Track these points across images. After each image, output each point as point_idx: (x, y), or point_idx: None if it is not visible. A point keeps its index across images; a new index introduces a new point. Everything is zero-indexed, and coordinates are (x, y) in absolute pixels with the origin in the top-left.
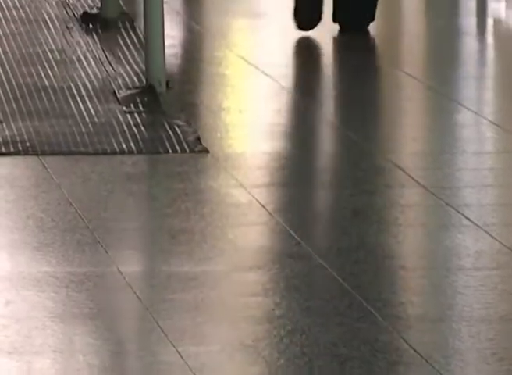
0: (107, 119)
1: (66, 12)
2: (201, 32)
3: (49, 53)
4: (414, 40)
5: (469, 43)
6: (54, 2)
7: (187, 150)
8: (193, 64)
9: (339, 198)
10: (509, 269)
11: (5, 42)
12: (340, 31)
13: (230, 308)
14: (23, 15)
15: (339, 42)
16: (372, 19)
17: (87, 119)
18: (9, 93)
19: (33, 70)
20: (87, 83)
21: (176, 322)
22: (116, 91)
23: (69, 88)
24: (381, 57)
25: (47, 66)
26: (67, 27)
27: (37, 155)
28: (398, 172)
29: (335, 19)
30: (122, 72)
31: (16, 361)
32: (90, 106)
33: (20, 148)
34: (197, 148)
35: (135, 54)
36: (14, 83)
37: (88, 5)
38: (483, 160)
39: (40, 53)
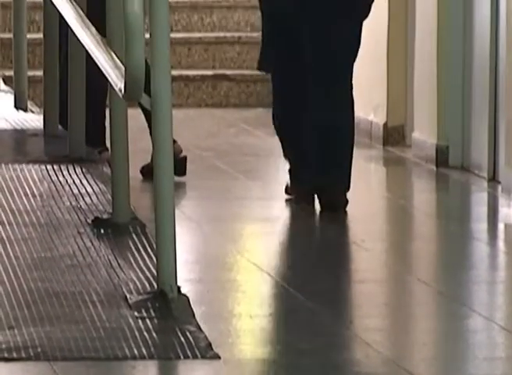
0: (118, 324)
1: (78, 217)
2: (212, 237)
3: (61, 258)
4: (425, 244)
5: (480, 248)
6: (65, 207)
7: (199, 356)
8: (205, 269)
9: None
10: None
11: (16, 247)
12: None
13: None
14: (35, 219)
15: (348, 239)
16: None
17: (98, 324)
18: (21, 298)
19: (44, 275)
20: (99, 288)
21: None
22: (128, 297)
23: (81, 293)
24: (392, 261)
25: (58, 271)
26: (79, 232)
27: (48, 360)
28: None
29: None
30: (134, 277)
31: None
32: (101, 311)
33: (32, 354)
34: (209, 354)
35: (146, 259)
36: (26, 288)
37: (99, 211)
38: (495, 366)
39: (52, 258)
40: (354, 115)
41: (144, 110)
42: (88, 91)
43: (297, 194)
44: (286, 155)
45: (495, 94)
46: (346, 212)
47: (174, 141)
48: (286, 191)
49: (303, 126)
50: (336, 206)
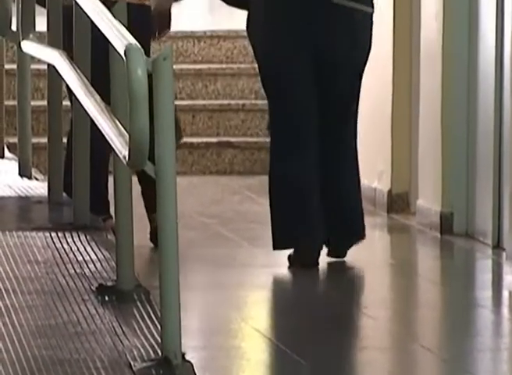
0: None
1: (82, 284)
2: (217, 304)
3: (65, 325)
4: (430, 311)
5: (484, 315)
6: (70, 274)
7: None
8: (209, 336)
9: None
10: None
11: (20, 315)
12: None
13: None
14: (39, 287)
15: (352, 306)
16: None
17: None
18: (25, 366)
19: (48, 343)
20: (103, 355)
21: None
22: (132, 364)
23: (85, 361)
24: (396, 329)
25: (62, 339)
26: (83, 299)
27: None
28: None
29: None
30: (138, 344)
31: None
32: None
33: None
34: None
35: (151, 326)
36: (30, 356)
37: (104, 278)
38: None
39: (56, 325)
40: (359, 166)
41: (144, 178)
42: (92, 159)
43: (302, 253)
44: (279, 218)
45: (499, 162)
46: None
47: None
48: (289, 260)
49: (307, 187)
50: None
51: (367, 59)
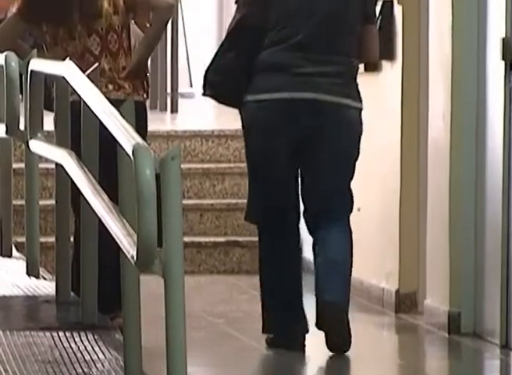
0: None
1: None
2: None
3: None
4: None
5: None
6: (77, 374)
7: None
8: None
9: None
10: None
11: None
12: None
13: None
14: None
15: None
16: None
17: None
18: None
19: None
20: None
21: None
22: None
23: None
24: None
25: None
26: None
27: None
28: None
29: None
30: None
31: None
32: None
33: None
34: None
35: None
36: None
37: None
38: None
39: None
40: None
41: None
42: (100, 258)
43: (290, 337)
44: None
45: (507, 260)
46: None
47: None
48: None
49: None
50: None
51: (358, 151)
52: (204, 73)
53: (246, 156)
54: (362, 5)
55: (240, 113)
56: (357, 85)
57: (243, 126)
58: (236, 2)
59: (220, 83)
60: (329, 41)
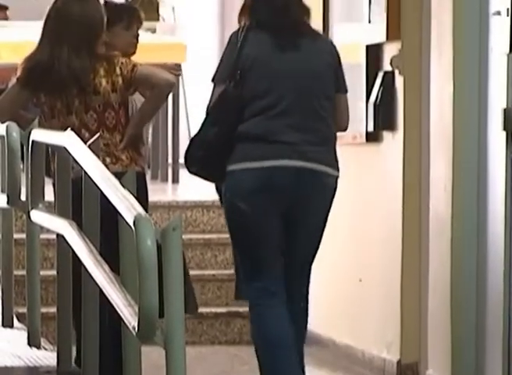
0: None
1: None
2: None
3: None
4: None
5: None
6: None
7: None
8: None
9: None
10: None
11: None
12: None
13: None
14: None
15: None
16: None
17: None
18: None
19: None
20: None
21: None
22: None
23: None
24: None
25: None
26: None
27: None
28: None
29: None
30: None
31: None
32: None
33: None
34: None
35: None
36: None
37: None
38: None
39: None
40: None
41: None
42: (102, 329)
43: None
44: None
45: (508, 332)
46: None
47: None
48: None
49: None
50: None
51: (326, 219)
52: (186, 148)
53: (230, 231)
54: (334, 74)
55: (217, 191)
56: (335, 152)
57: (223, 199)
58: (212, 80)
59: (203, 157)
60: (309, 110)
